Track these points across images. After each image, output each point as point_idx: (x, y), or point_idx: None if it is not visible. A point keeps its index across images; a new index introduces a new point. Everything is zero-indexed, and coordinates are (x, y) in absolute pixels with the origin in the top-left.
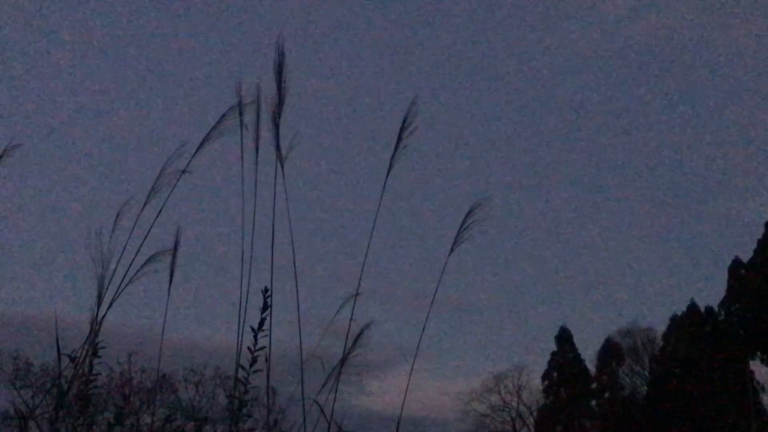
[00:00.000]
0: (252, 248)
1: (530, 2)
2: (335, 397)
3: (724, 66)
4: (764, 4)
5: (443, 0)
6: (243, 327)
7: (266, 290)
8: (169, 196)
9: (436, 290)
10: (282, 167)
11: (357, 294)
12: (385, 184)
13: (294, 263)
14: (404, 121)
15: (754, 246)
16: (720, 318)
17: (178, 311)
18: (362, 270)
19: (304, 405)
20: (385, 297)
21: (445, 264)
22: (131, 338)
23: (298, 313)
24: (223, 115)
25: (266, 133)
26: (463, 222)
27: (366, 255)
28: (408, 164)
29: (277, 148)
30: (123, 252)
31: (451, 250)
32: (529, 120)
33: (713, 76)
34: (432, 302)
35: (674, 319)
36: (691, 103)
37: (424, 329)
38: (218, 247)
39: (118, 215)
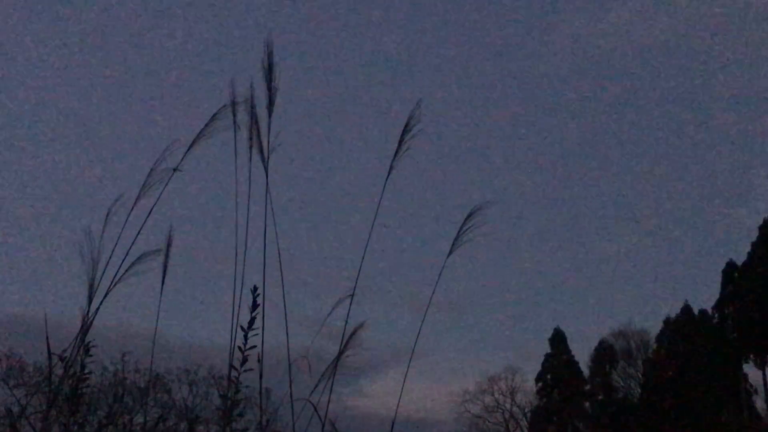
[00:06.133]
0: (246, 247)
1: (534, 5)
2: (329, 398)
3: (722, 71)
4: (763, 10)
5: (444, 2)
6: (236, 326)
7: (255, 289)
8: (160, 194)
9: (433, 292)
10: (265, 168)
11: (352, 295)
12: (385, 185)
13: (279, 262)
14: (407, 124)
15: (748, 249)
16: (714, 320)
17: (171, 311)
18: (359, 271)
19: (292, 405)
20: (381, 298)
21: (443, 267)
22: (125, 338)
23: (285, 313)
24: (215, 114)
25: (258, 133)
26: (462, 225)
27: (363, 256)
28: (408, 165)
29: (268, 146)
30: (114, 251)
31: (450, 253)
32: (526, 123)
33: (711, 81)
34: (428, 304)
35: (668, 322)
36: (687, 108)
37: (420, 331)
38: (211, 246)
39: (108, 214)
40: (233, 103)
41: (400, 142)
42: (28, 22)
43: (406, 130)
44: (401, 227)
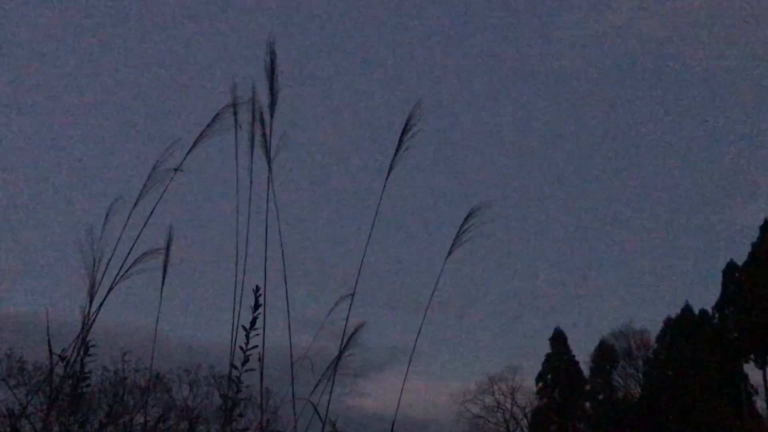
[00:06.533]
0: (246, 247)
1: (534, 7)
2: (330, 397)
3: (721, 74)
4: (760, 14)
5: (445, 2)
6: (236, 326)
7: (257, 289)
8: (162, 194)
9: (433, 292)
10: (270, 167)
11: (352, 294)
12: (385, 185)
13: (283, 262)
14: (407, 123)
15: (748, 249)
16: (714, 321)
17: (172, 310)
18: (359, 271)
19: (294, 405)
20: (382, 298)
21: (443, 267)
22: (125, 338)
23: (288, 312)
24: (217, 114)
25: (261, 133)
26: (462, 225)
27: (363, 256)
28: (409, 165)
29: (268, 148)
30: (115, 250)
31: (449, 253)
32: (527, 123)
33: (711, 83)
34: (429, 304)
35: (668, 322)
36: (687, 110)
37: (420, 331)
38: (212, 246)
39: (108, 213)
40: (235, 104)
41: (400, 142)
42: (29, 20)
43: (405, 129)
44: (401, 227)
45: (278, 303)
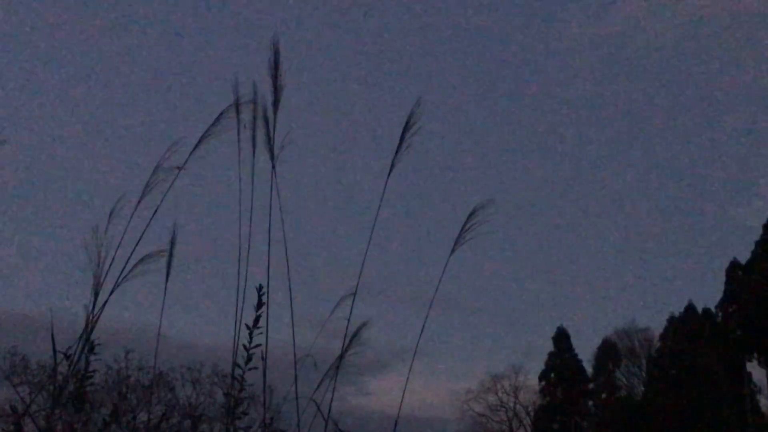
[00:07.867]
0: (249, 246)
1: (537, 4)
2: (333, 396)
3: (723, 71)
4: (762, 11)
5: (447, 1)
6: (239, 325)
7: (261, 287)
8: (166, 193)
9: (436, 290)
10: (273, 165)
11: (354, 293)
12: (386, 183)
13: (287, 261)
14: (408, 121)
15: (752, 248)
16: (717, 319)
17: (175, 309)
18: (361, 269)
19: (297, 403)
20: (384, 297)
21: (446, 265)
22: (128, 336)
23: (291, 311)
24: (221, 113)
25: (263, 132)
26: (465, 223)
27: (366, 254)
28: (410, 163)
29: (272, 146)
30: (118, 249)
31: (452, 251)
32: (529, 121)
33: (712, 81)
34: (432, 302)
35: (672, 320)
36: (689, 107)
37: (423, 329)
38: (215, 245)
39: (112, 212)
40: (238, 103)
41: (401, 140)
42: (31, 18)
43: (406, 127)
44: (404, 225)
45: (281, 301)
